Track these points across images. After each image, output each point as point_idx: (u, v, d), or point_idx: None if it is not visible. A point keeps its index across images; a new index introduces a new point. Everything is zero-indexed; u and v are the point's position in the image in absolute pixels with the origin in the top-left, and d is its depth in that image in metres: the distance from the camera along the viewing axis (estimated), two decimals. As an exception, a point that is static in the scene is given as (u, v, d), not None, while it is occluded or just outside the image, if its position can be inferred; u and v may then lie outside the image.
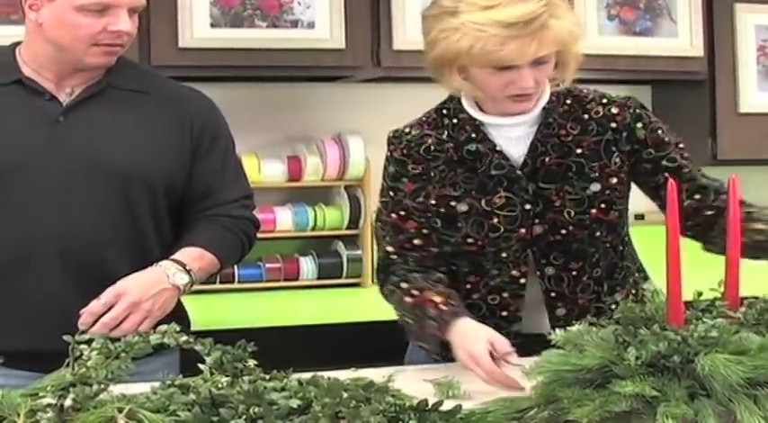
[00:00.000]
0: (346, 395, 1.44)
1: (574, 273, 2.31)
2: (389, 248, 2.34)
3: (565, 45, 2.19)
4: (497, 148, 2.27)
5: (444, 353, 2.22)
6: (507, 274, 2.30)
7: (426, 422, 1.49)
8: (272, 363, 1.71)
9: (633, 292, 2.40)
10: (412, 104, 4.30)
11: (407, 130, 2.35)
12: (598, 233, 2.29)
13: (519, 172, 2.26)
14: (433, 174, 2.29)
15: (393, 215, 2.32)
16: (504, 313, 2.32)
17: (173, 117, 2.47)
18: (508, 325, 2.30)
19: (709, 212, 2.31)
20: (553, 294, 2.31)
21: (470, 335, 2.11)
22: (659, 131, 2.32)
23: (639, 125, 2.30)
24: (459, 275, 2.34)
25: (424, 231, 2.31)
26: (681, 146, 2.34)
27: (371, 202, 4.11)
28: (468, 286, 2.33)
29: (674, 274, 1.66)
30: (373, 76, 3.96)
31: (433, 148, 2.30)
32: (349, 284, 4.14)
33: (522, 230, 2.26)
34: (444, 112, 2.34)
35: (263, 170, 4.10)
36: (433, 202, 2.28)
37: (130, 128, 2.42)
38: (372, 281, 4.05)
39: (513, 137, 2.28)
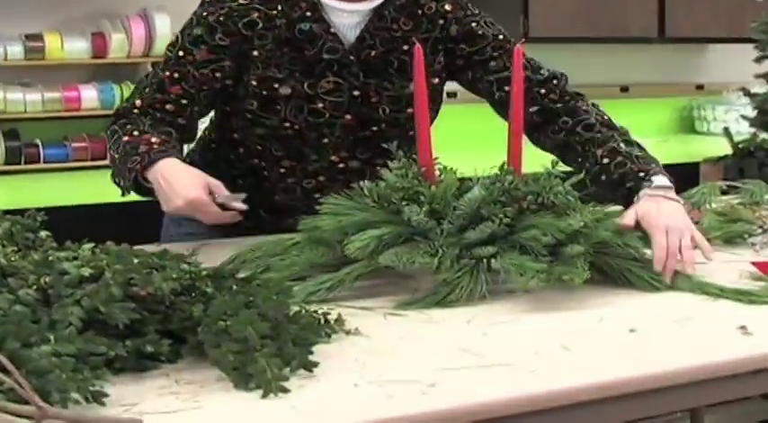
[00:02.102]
0: (137, 261, 1.42)
1: (377, 168, 2.28)
2: (138, 102, 2.18)
3: None
4: (332, 30, 2.15)
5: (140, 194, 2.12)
6: (327, 159, 2.24)
7: (223, 289, 1.49)
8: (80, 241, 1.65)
9: None
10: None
11: None
12: (411, 132, 2.26)
13: (352, 57, 2.16)
14: (257, 53, 2.14)
15: (167, 73, 2.17)
16: (318, 196, 2.16)
17: None
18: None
19: (531, 109, 2.23)
20: (353, 186, 2.28)
21: (184, 180, 2.02)
22: (473, 25, 2.25)
23: (454, 22, 2.24)
24: (271, 158, 2.24)
25: (183, 102, 2.17)
26: (500, 37, 2.25)
27: (180, 79, 4.04)
28: (283, 170, 2.25)
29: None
30: (179, -52, 3.86)
31: (260, 24, 2.13)
32: (158, 163, 4.06)
33: (348, 116, 2.19)
34: None
35: (66, 47, 3.99)
36: (255, 83, 2.14)
37: None
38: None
39: (347, 23, 2.17)
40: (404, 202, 1.82)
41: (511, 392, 1.34)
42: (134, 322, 1.40)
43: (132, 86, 4.00)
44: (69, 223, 2.05)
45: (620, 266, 1.83)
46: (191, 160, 2.31)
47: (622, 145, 2.10)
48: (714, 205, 2.33)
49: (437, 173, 1.89)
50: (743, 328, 1.56)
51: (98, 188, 3.81)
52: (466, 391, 1.33)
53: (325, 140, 2.21)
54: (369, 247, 1.75)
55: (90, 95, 4.02)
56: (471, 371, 1.41)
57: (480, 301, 1.73)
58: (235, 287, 1.50)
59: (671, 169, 2.08)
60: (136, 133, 2.11)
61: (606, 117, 2.21)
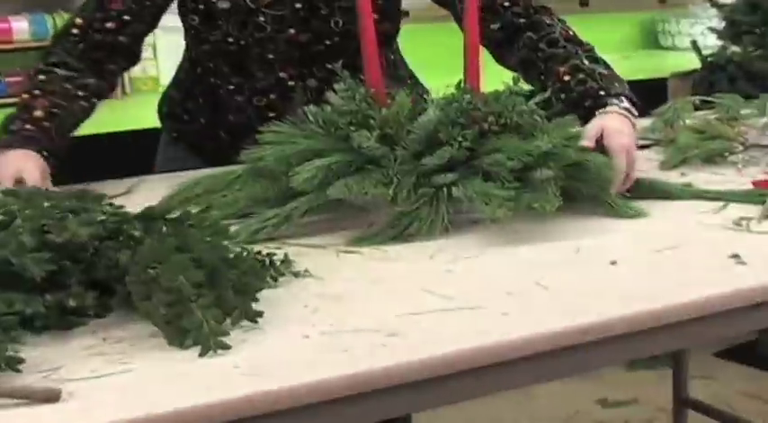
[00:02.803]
0: (49, 205, 1.25)
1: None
2: (78, 20, 2.10)
3: None
4: None
5: None
6: (274, 76, 2.16)
7: (153, 232, 1.33)
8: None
9: None
10: None
11: None
12: None
13: None
14: None
15: None
16: (272, 114, 2.12)
17: None
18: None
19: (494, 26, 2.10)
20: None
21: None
22: None
23: None
24: (221, 76, 2.17)
25: (125, 18, 2.09)
26: None
27: (116, 6, 3.89)
28: (232, 87, 2.17)
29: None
30: None
31: None
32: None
33: (292, 31, 2.10)
34: None
35: (-6, -25, 3.81)
36: None
37: None
38: (125, 91, 3.91)
39: None
40: (352, 128, 1.67)
41: (482, 340, 1.20)
42: (54, 274, 1.25)
43: (65, 15, 3.85)
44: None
45: (594, 192, 1.69)
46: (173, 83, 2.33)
47: (586, 62, 1.97)
48: (689, 122, 2.19)
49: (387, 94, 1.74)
50: (736, 256, 1.42)
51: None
52: (431, 341, 1.19)
53: (270, 56, 2.12)
54: (316, 178, 1.60)
55: (21, 27, 3.87)
56: (437, 315, 1.27)
57: (443, 235, 1.59)
58: (165, 228, 1.34)
59: (637, 85, 1.97)
60: (37, 92, 1.99)
61: (571, 32, 2.07)
